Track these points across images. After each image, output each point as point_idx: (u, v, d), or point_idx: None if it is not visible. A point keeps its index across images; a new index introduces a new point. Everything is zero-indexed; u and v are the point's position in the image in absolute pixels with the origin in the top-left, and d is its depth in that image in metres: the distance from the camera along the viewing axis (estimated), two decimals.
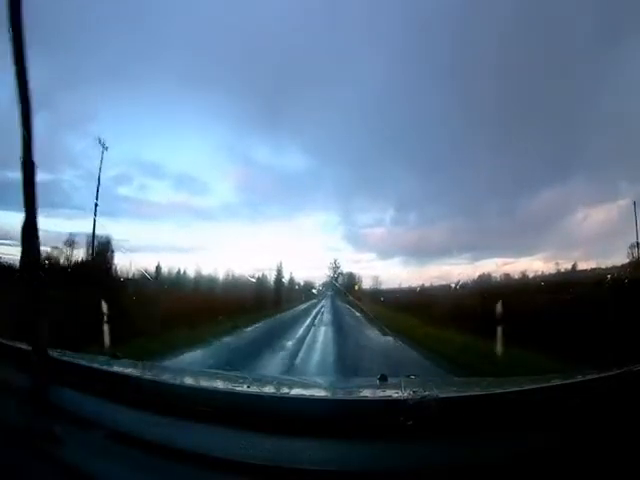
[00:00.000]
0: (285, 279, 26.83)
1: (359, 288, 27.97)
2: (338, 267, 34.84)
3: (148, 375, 1.48)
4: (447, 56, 15.19)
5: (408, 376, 1.75)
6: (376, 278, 26.07)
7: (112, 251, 13.86)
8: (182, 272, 17.77)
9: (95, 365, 1.56)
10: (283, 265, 25.72)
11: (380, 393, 1.54)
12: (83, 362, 1.60)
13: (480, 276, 14.66)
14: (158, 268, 16.10)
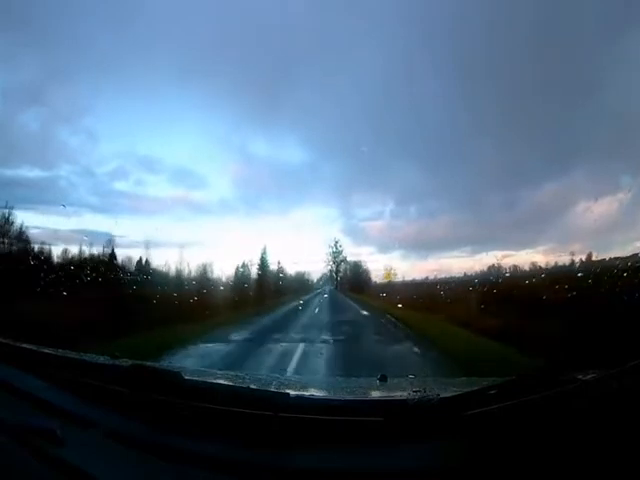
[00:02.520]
0: (273, 270, 21.20)
1: (390, 279, 19.75)
2: (340, 251, 25.97)
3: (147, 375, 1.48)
4: (449, 48, 15.14)
5: (408, 376, 1.75)
6: (389, 269, 21.53)
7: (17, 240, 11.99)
8: (143, 263, 14.76)
9: (94, 364, 1.55)
10: (267, 253, 20.36)
11: (380, 393, 1.54)
12: (82, 361, 1.60)
13: (489, 268, 14.46)
14: (113, 256, 13.98)
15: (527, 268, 14.55)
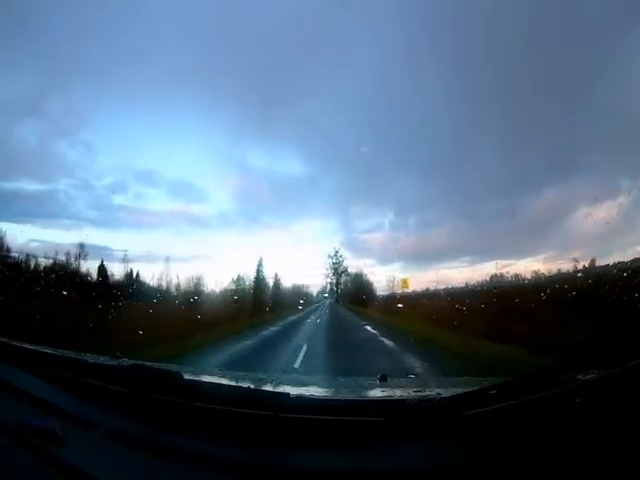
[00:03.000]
0: (269, 282, 19.65)
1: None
2: (340, 262, 23.60)
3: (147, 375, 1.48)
4: (449, 57, 15.14)
5: (408, 376, 1.75)
6: (392, 280, 17.71)
7: None
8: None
9: (94, 364, 1.55)
10: (263, 265, 18.74)
11: (380, 393, 1.54)
12: (82, 361, 1.60)
13: (492, 277, 14.29)
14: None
15: (529, 277, 14.40)
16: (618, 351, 1.01)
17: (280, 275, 20.90)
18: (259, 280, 19.40)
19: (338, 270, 24.58)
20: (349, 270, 24.71)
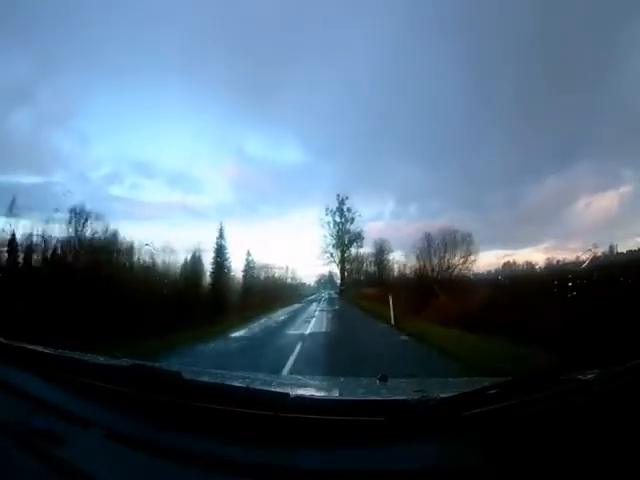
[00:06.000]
0: (232, 267, 12.08)
1: None
2: (349, 220, 13.36)
3: (147, 374, 1.48)
4: (450, 43, 15.09)
5: (408, 376, 1.75)
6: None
7: None
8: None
9: (94, 364, 1.56)
10: (225, 236, 11.49)
11: (380, 393, 1.54)
12: (82, 361, 1.60)
13: (505, 265, 14.03)
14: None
15: (542, 265, 14.28)
16: (618, 351, 1.01)
17: (253, 257, 13.36)
18: (221, 264, 12.06)
19: (344, 236, 14.12)
20: (361, 250, 13.75)
